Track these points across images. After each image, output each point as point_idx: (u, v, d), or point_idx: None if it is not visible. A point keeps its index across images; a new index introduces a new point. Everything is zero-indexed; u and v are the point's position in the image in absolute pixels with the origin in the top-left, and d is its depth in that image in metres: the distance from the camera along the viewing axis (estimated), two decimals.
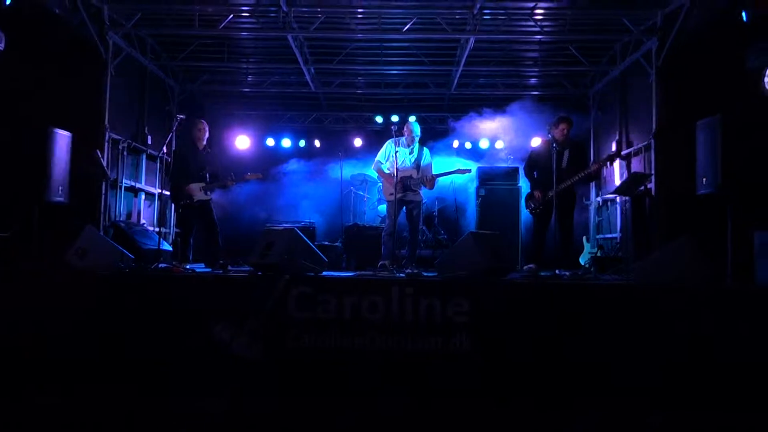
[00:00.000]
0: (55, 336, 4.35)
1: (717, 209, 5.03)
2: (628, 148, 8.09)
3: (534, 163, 6.15)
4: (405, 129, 6.34)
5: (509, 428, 3.83)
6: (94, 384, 4.21)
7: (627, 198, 7.11)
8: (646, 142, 7.36)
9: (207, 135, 6.36)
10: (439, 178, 6.52)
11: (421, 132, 6.54)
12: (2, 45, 4.83)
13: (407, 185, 6.23)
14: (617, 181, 8.27)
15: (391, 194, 6.20)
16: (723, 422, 3.86)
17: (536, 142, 10.15)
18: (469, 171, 6.68)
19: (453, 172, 6.52)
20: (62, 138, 6.01)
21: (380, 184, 7.71)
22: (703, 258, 4.46)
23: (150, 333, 4.43)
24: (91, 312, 4.47)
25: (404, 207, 6.36)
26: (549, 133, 6.00)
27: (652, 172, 6.97)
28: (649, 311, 4.27)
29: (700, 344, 4.14)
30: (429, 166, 6.44)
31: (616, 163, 8.51)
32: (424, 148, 6.48)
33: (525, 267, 5.89)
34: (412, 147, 6.33)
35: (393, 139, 6.32)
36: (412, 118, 7.02)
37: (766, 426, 3.85)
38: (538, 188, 5.98)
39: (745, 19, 4.56)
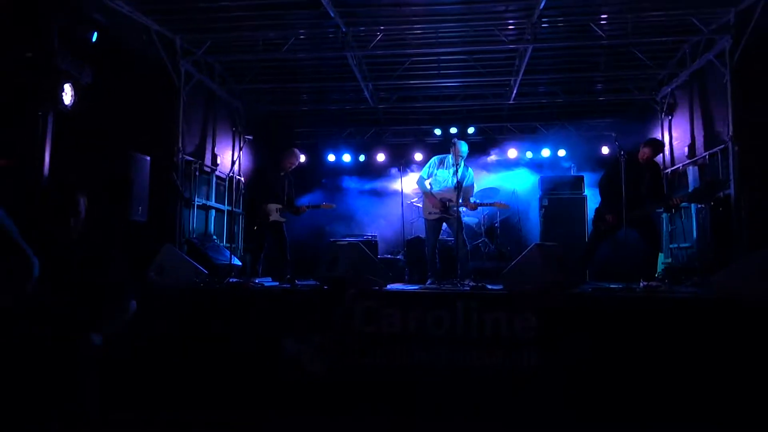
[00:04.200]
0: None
1: None
2: (701, 152, 7.69)
3: (612, 179, 5.73)
4: (452, 148, 6.23)
5: None
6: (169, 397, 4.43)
7: (702, 205, 6.76)
8: (721, 146, 6.97)
9: (296, 164, 6.65)
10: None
11: (470, 148, 6.43)
12: (90, 78, 5.24)
13: (447, 207, 6.16)
14: (690, 188, 7.87)
15: (430, 213, 6.25)
16: None
17: (605, 150, 9.88)
18: (509, 207, 6.78)
19: (492, 204, 6.68)
20: (142, 161, 6.45)
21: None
22: None
23: (220, 347, 4.62)
24: (171, 326, 4.72)
25: (444, 223, 6.37)
26: (622, 150, 5.46)
27: (731, 177, 6.59)
28: (730, 328, 4.03)
29: None
30: (471, 187, 6.36)
31: (690, 169, 8.11)
32: (468, 169, 6.35)
33: (643, 284, 5.31)
34: (456, 167, 6.18)
35: (440, 156, 6.32)
36: (459, 137, 7.06)
37: None
38: (611, 211, 5.68)
39: None
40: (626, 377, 4.10)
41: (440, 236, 6.57)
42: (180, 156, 7.56)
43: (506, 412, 4.12)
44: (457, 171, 6.15)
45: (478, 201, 6.57)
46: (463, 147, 6.22)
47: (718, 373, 3.96)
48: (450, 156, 6.26)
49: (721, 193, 6.55)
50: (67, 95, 4.90)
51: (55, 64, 4.73)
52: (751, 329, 3.98)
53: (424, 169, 6.43)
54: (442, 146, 10.81)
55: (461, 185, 6.14)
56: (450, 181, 6.22)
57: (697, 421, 3.90)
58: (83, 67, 5.13)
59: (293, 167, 6.64)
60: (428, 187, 6.31)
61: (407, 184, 8.72)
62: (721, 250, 6.33)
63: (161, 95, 7.47)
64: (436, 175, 6.21)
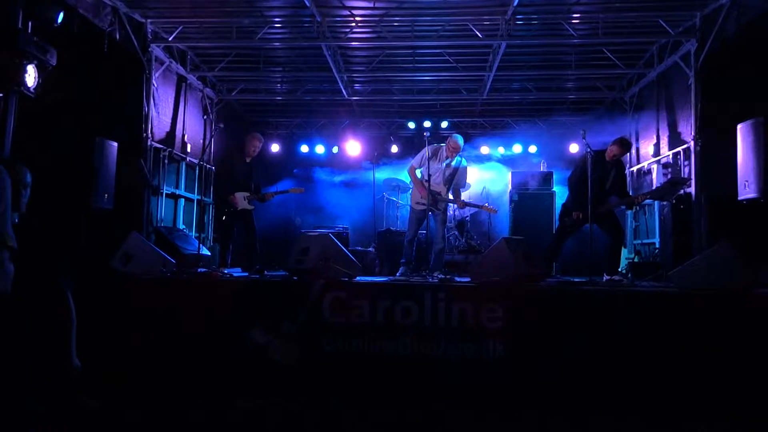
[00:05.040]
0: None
1: (759, 214, 4.89)
2: (665, 151, 7.92)
3: (580, 176, 5.81)
4: (448, 141, 6.12)
5: None
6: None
7: (665, 203, 6.97)
8: (685, 146, 7.19)
9: (259, 149, 6.53)
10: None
11: (441, 142, 6.29)
12: (54, 60, 5.08)
13: (435, 200, 6.07)
14: (654, 186, 8.10)
15: (418, 203, 6.20)
16: None
17: (574, 148, 10.07)
18: (496, 211, 6.79)
19: (481, 207, 6.68)
20: (110, 147, 6.31)
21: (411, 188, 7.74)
22: (745, 264, 4.35)
23: (188, 336, 4.59)
24: (137, 315, 4.66)
25: (430, 215, 6.34)
26: (589, 147, 5.62)
27: (692, 176, 6.81)
28: (689, 318, 4.19)
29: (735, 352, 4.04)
30: (463, 179, 6.32)
31: (654, 167, 8.35)
32: (462, 162, 6.25)
33: (606, 278, 5.46)
34: (449, 161, 6.13)
35: (433, 146, 6.12)
36: (432, 131, 7.02)
37: None
38: (577, 208, 5.77)
39: None
40: (588, 367, 4.22)
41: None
42: (148, 142, 7.41)
43: (474, 399, 4.20)
44: (449, 165, 6.10)
45: (469, 201, 6.56)
46: (459, 141, 6.11)
47: (678, 362, 4.11)
48: (443, 149, 6.13)
49: (683, 191, 6.76)
50: (31, 77, 4.75)
51: (19, 44, 4.57)
52: (706, 319, 4.15)
53: (417, 157, 6.25)
54: (415, 140, 10.90)
55: (451, 181, 6.11)
56: (441, 175, 6.13)
57: (655, 408, 4.04)
58: (48, 48, 4.97)
59: (257, 151, 6.52)
60: (420, 176, 6.18)
61: (379, 176, 8.76)
62: (681, 245, 6.55)
63: (130, 80, 7.31)
64: (426, 166, 5.99)
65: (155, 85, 7.59)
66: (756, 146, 5.46)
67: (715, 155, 6.44)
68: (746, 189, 5.52)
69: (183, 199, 8.59)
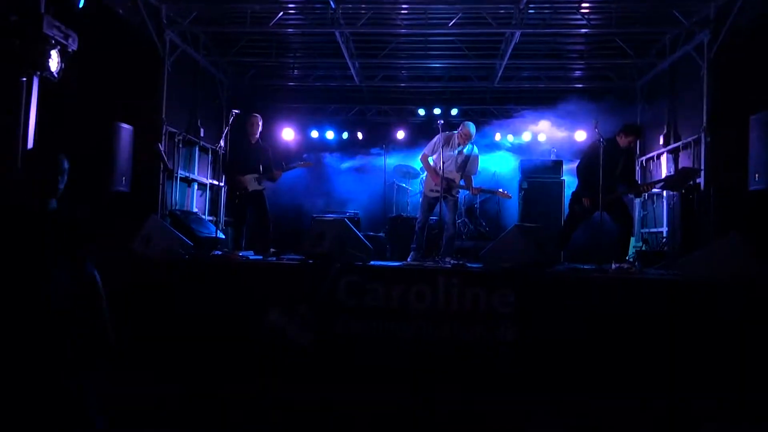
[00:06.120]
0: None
1: None
2: (675, 141, 7.96)
3: (589, 164, 5.91)
4: (460, 128, 6.19)
5: (550, 416, 3.95)
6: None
7: (674, 192, 7.03)
8: (695, 136, 7.23)
9: (260, 128, 6.64)
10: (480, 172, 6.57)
11: (452, 129, 6.38)
12: (75, 45, 5.16)
13: (449, 186, 6.17)
14: (663, 175, 8.15)
15: (431, 190, 6.29)
16: None
17: (581, 136, 10.10)
18: (511, 197, 6.77)
19: (495, 192, 6.68)
20: (125, 131, 6.41)
21: (423, 175, 7.82)
22: (752, 255, 4.44)
23: (209, 317, 4.72)
24: (155, 297, 4.78)
25: (443, 202, 6.43)
26: (601, 136, 5.67)
27: (702, 167, 6.87)
28: (694, 307, 4.29)
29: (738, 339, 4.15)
30: (475, 167, 6.38)
31: (663, 157, 8.39)
32: (474, 150, 6.32)
33: (614, 266, 5.44)
34: (461, 148, 6.20)
35: (445, 134, 6.18)
36: (443, 118, 7.03)
37: None
38: (588, 195, 5.87)
39: None
40: (598, 352, 4.34)
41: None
42: (164, 127, 7.51)
43: (486, 382, 4.32)
44: (461, 152, 6.16)
45: (482, 187, 6.63)
46: (471, 129, 6.17)
47: (685, 347, 4.22)
48: (456, 136, 6.21)
49: (692, 182, 6.82)
50: (54, 62, 4.83)
51: (43, 29, 4.65)
52: (712, 308, 4.25)
53: (429, 144, 6.34)
54: (425, 126, 10.92)
55: (464, 168, 6.18)
56: (453, 162, 6.21)
57: (662, 391, 4.16)
58: (69, 33, 5.05)
59: (258, 131, 6.66)
60: (432, 164, 6.28)
61: (389, 162, 8.84)
62: (689, 235, 6.62)
63: (146, 64, 7.37)
64: (439, 153, 6.07)
65: (170, 70, 7.67)
66: (767, 138, 5.51)
67: (726, 146, 6.49)
68: (756, 180, 5.59)
69: (196, 183, 8.70)
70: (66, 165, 2.67)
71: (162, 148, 7.15)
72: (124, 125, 6.37)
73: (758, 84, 5.81)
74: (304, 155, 11.06)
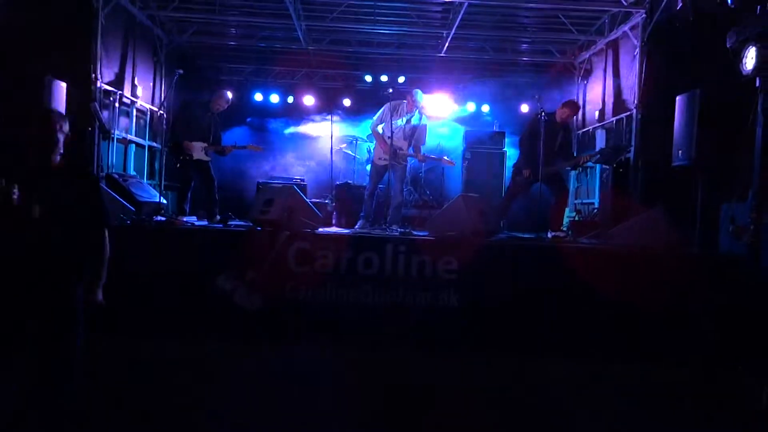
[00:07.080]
0: None
1: (689, 181, 5.38)
2: (610, 117, 8.38)
3: (531, 137, 6.16)
4: (408, 97, 6.32)
5: (486, 375, 4.23)
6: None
7: (607, 166, 7.45)
8: (628, 113, 7.65)
9: (227, 107, 6.50)
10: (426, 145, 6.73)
11: (398, 98, 6.50)
12: None
13: (396, 154, 6.27)
14: (597, 149, 8.58)
15: (380, 158, 6.38)
16: None
17: (525, 108, 10.41)
18: (454, 164, 7.05)
19: (440, 160, 6.92)
20: (58, 88, 6.03)
21: (371, 144, 7.88)
22: (674, 226, 4.84)
23: (156, 283, 4.65)
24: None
25: (390, 171, 6.55)
26: (542, 109, 5.94)
27: (632, 143, 7.29)
28: (622, 273, 4.65)
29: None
30: (423, 137, 6.51)
31: (598, 132, 8.82)
32: (423, 120, 6.45)
33: (550, 234, 5.87)
34: (410, 116, 6.31)
35: (392, 102, 6.31)
36: (389, 86, 7.12)
37: None
38: (528, 166, 6.12)
39: (729, 1, 4.80)
40: (535, 316, 4.64)
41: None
42: (98, 84, 7.10)
43: (430, 343, 4.55)
44: (409, 120, 6.25)
45: (426, 154, 6.76)
46: (419, 96, 6.30)
47: (616, 310, 4.58)
48: (404, 104, 6.32)
49: (623, 157, 7.25)
50: None
51: None
52: (638, 273, 4.63)
53: (377, 114, 6.43)
54: (372, 93, 10.90)
55: (412, 136, 6.27)
56: (402, 131, 6.30)
57: (595, 355, 4.53)
58: None
59: (222, 110, 6.51)
60: (381, 132, 6.36)
61: (336, 129, 8.79)
62: (619, 206, 7.07)
63: (77, 17, 6.89)
64: (388, 122, 6.18)
65: (103, 23, 7.20)
66: (690, 117, 5.92)
67: (655, 123, 6.91)
68: (679, 156, 6.02)
69: (134, 145, 8.34)
70: (67, 128, 2.62)
71: (97, 107, 6.78)
72: (57, 81, 5.99)
73: (686, 65, 6.18)
74: (248, 119, 10.82)
